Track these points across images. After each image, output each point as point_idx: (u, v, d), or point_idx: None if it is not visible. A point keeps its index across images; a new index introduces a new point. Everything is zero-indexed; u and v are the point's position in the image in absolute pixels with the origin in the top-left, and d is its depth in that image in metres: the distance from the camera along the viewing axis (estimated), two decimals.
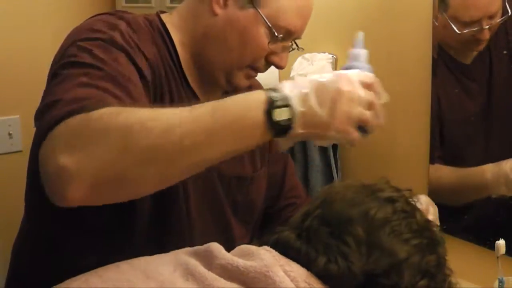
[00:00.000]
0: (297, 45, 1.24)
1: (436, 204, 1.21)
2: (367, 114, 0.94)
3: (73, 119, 0.90)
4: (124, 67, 1.04)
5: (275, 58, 1.20)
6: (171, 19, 1.22)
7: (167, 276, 0.89)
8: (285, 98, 0.90)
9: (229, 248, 0.96)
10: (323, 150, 1.88)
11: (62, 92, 0.96)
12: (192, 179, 1.14)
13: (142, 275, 0.90)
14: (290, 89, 0.91)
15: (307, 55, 1.90)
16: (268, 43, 1.16)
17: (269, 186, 1.38)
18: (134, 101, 0.99)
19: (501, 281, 1.29)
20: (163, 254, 0.98)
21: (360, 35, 1.06)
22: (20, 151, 2.11)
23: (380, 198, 0.96)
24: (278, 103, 0.89)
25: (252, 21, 1.15)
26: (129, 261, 0.95)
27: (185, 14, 1.21)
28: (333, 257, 0.90)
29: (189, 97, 1.20)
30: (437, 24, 1.57)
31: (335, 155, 1.88)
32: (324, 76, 0.93)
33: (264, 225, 1.38)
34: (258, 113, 0.89)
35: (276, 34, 1.15)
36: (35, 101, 1.05)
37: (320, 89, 0.91)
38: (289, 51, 1.22)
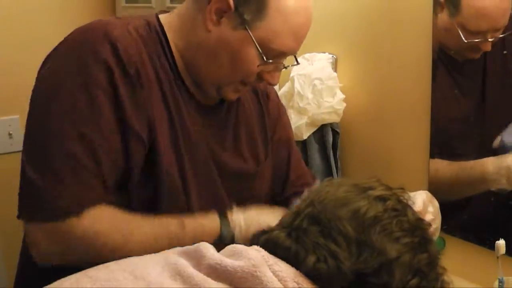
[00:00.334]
0: (296, 60, 1.25)
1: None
2: None
3: (54, 226, 1.07)
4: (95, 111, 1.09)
5: (266, 76, 1.20)
6: (170, 20, 1.21)
7: (155, 276, 0.89)
8: (232, 237, 1.17)
9: None
10: (323, 150, 1.87)
11: (43, 168, 1.14)
12: (192, 175, 1.17)
13: (130, 275, 0.89)
14: (238, 230, 1.17)
15: (307, 55, 1.89)
16: (258, 65, 1.16)
17: (274, 175, 1.37)
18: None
19: (501, 281, 1.28)
20: (153, 254, 0.98)
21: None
22: (20, 151, 2.10)
23: (370, 197, 0.95)
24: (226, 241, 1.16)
25: (243, 43, 1.14)
26: (118, 261, 0.96)
27: (184, 18, 1.20)
28: (323, 256, 0.90)
29: (184, 99, 1.20)
30: (437, 25, 1.57)
31: (335, 155, 1.87)
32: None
33: None
34: (211, 239, 1.13)
35: (265, 58, 1.14)
36: None
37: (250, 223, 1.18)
38: (281, 70, 1.21)
